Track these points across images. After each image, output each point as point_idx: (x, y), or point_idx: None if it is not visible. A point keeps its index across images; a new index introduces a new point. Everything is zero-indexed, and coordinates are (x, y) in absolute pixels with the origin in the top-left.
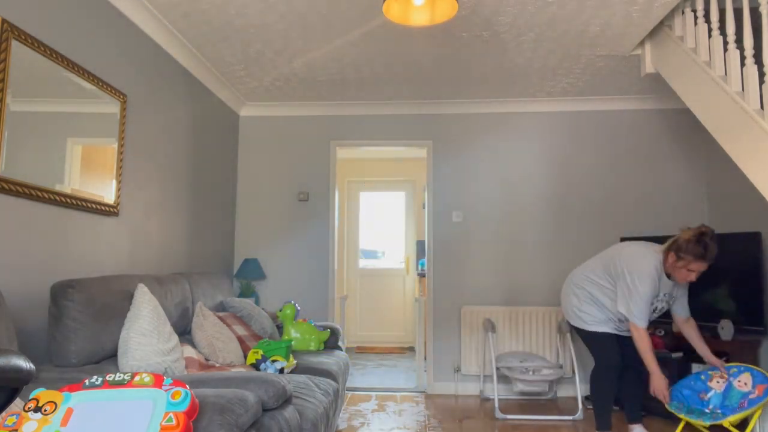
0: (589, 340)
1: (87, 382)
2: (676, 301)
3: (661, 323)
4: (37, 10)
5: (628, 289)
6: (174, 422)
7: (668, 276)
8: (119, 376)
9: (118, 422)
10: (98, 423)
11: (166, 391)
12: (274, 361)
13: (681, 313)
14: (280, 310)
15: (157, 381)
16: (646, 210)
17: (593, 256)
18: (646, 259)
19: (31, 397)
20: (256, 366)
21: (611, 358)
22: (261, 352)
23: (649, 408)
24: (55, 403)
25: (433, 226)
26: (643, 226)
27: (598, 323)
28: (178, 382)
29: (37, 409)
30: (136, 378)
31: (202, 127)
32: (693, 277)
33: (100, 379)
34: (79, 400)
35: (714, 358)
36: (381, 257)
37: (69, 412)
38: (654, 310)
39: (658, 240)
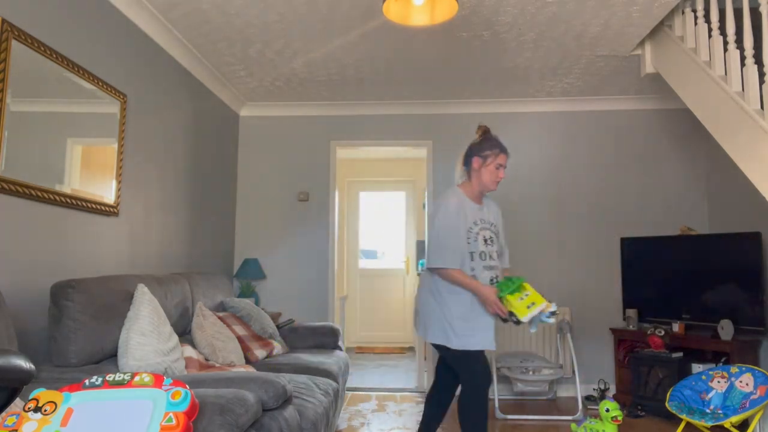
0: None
1: (87, 382)
2: (502, 253)
3: (660, 323)
4: (37, 10)
5: (434, 225)
6: (174, 422)
7: (478, 200)
8: (119, 376)
9: (118, 422)
10: (98, 423)
11: (166, 391)
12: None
13: (504, 261)
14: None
15: (157, 381)
16: (646, 210)
17: None
18: (448, 192)
19: (31, 397)
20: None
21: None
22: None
23: (650, 408)
24: (55, 403)
25: None
26: (643, 226)
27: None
28: (178, 382)
29: (37, 409)
30: (136, 378)
31: (202, 127)
32: (502, 173)
33: (100, 379)
34: (79, 400)
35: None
36: (381, 257)
37: (69, 412)
38: (486, 240)
39: (660, 241)
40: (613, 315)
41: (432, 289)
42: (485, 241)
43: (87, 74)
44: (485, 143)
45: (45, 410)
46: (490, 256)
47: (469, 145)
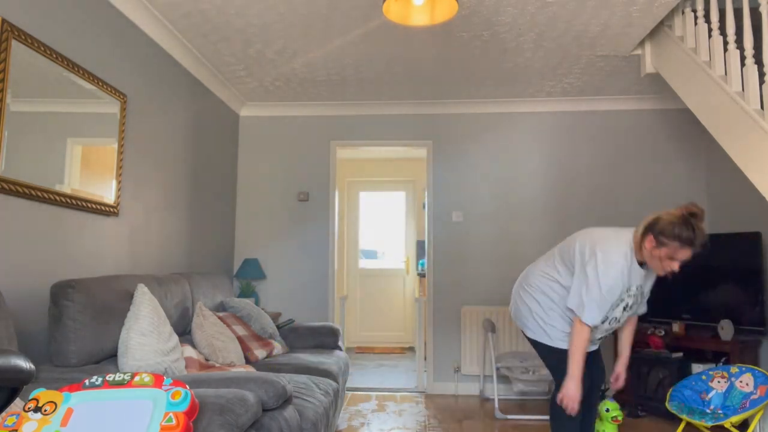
0: (555, 358)
1: (87, 382)
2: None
3: (660, 323)
4: (37, 10)
5: (586, 277)
6: (174, 422)
7: (641, 264)
8: (119, 376)
9: (118, 422)
10: (98, 423)
11: (166, 391)
12: None
13: (640, 310)
14: None
15: (157, 381)
16: (646, 210)
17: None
18: (617, 244)
19: (31, 397)
20: None
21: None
22: None
23: (650, 408)
24: (55, 403)
25: (433, 226)
26: None
27: (566, 339)
28: (178, 382)
29: (37, 409)
30: (136, 378)
31: (202, 127)
32: (676, 267)
33: (100, 379)
34: (79, 400)
35: (622, 370)
36: (381, 257)
37: (69, 412)
38: (625, 308)
39: None
40: None
41: (544, 290)
42: (625, 308)
43: (87, 74)
44: (674, 229)
45: (45, 410)
46: (618, 321)
47: (659, 217)
